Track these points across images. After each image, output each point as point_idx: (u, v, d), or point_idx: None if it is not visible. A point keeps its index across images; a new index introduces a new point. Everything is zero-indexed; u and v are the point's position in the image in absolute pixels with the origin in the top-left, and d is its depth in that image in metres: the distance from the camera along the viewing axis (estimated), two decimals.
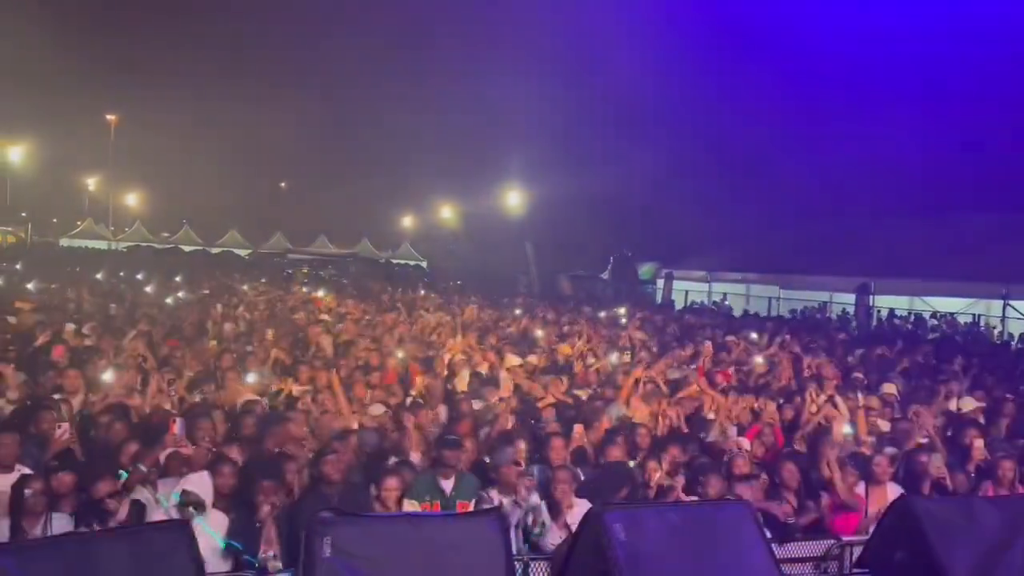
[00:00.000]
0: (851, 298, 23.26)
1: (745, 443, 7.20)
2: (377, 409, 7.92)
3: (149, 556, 2.86)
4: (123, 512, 5.06)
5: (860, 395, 8.80)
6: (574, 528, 5.77)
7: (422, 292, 22.76)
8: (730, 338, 13.77)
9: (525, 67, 40.04)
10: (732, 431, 7.84)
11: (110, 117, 52.34)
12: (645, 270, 34.40)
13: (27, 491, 4.89)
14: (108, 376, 7.38)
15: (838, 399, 8.14)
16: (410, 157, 52.65)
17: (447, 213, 51.46)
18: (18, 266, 23.59)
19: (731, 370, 10.64)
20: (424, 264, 47.04)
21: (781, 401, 8.72)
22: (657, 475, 6.37)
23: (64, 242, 45.90)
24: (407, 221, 57.33)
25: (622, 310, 18.31)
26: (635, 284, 32.26)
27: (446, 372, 10.01)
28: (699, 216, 32.10)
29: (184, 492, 5.17)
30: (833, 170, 30.23)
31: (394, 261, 45.49)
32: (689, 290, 28.64)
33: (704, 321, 17.49)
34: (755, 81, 32.28)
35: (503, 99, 40.15)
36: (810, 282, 25.53)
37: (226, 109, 57.76)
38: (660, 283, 30.43)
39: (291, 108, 58.38)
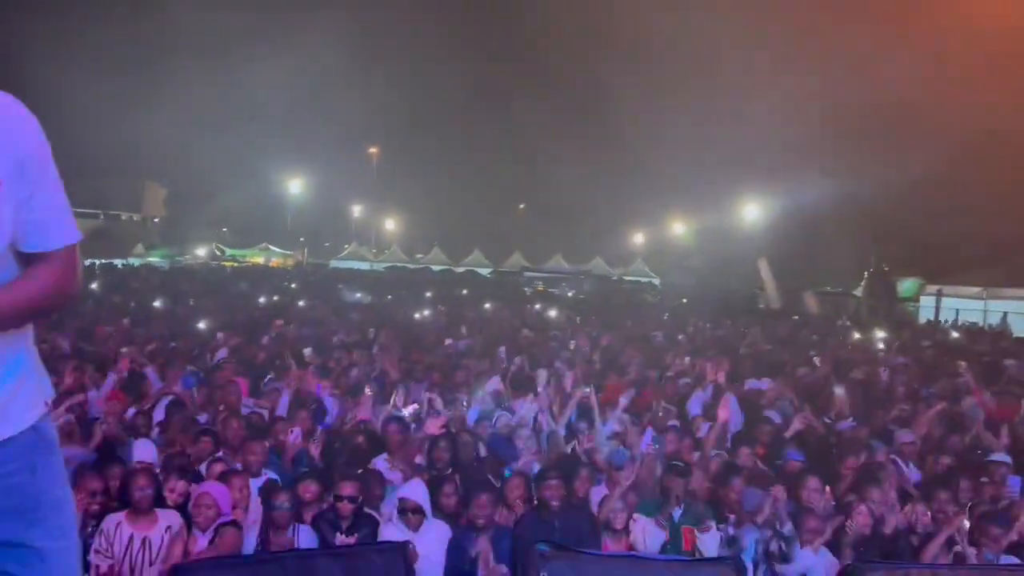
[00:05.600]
0: None
1: None
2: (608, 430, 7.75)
3: (367, 572, 2.87)
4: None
5: None
6: None
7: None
8: (1009, 362, 11.87)
9: (762, 72, 38.07)
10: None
11: (372, 150, 58.08)
12: (906, 287, 31.02)
13: (274, 501, 5.11)
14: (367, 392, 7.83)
15: None
16: (643, 174, 52.26)
17: (680, 229, 50.27)
18: (293, 285, 26.62)
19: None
20: (656, 281, 46.31)
21: None
22: (926, 521, 5.53)
23: (333, 264, 51.07)
24: (639, 238, 56.97)
25: (880, 332, 16.54)
26: (893, 302, 29.13)
27: (678, 396, 9.57)
28: (973, 223, 28.15)
29: (401, 499, 5.27)
30: None
31: (626, 278, 45.25)
32: (960, 309, 25.26)
33: (978, 345, 15.28)
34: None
35: (738, 108, 38.45)
36: None
37: (469, 139, 61.59)
38: (924, 301, 27.21)
39: (528, 134, 60.76)
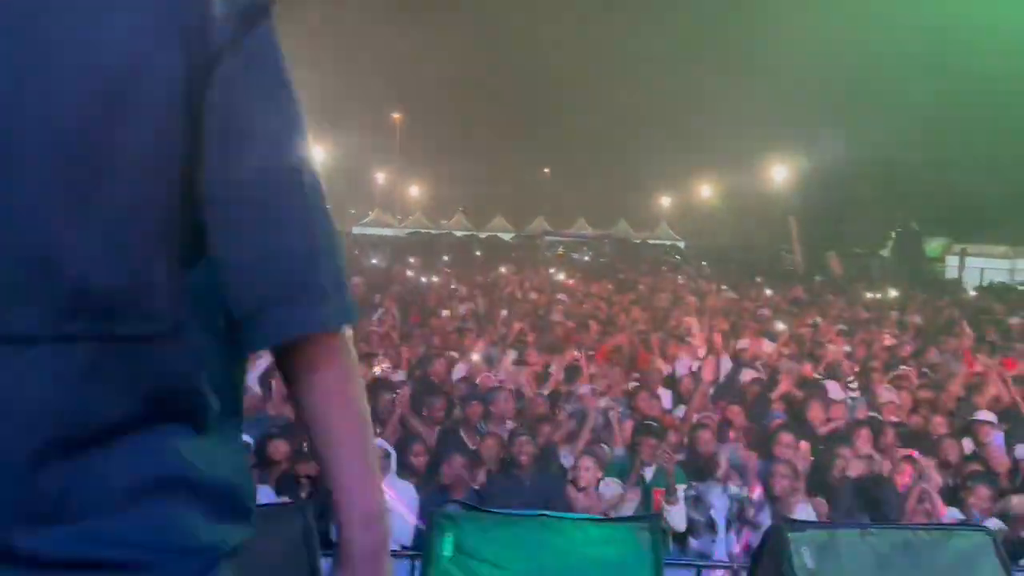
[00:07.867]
0: None
1: None
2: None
3: (264, 534, 2.81)
4: None
5: None
6: None
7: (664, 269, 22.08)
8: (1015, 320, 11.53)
9: (789, 28, 36.90)
10: None
11: (395, 116, 57.67)
12: (934, 246, 30.24)
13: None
14: None
15: None
16: (669, 135, 51.44)
17: (706, 191, 49.54)
18: None
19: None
20: (681, 244, 45.76)
21: None
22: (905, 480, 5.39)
23: (356, 230, 51.17)
24: (665, 200, 56.31)
25: (892, 291, 16.16)
26: (920, 262, 28.41)
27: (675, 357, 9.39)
28: (1001, 177, 27.00)
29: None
30: None
31: (651, 241, 44.76)
32: (985, 268, 24.52)
33: (997, 305, 14.85)
34: None
35: (765, 66, 37.44)
36: None
37: (493, 103, 61.08)
38: (950, 260, 26.52)
39: (552, 97, 60.09)
